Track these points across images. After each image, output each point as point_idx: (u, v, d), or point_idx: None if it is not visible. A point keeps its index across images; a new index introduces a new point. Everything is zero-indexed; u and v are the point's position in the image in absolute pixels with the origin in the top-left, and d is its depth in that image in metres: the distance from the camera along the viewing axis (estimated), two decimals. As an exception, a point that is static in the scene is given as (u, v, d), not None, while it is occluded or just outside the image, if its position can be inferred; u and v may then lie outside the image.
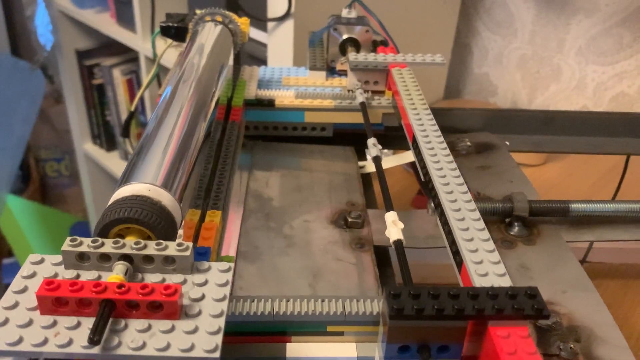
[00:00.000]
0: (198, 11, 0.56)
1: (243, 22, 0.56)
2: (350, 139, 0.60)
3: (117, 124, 1.52)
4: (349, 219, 0.48)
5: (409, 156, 0.58)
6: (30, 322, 0.24)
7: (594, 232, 0.49)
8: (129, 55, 1.42)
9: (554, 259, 0.44)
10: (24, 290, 0.26)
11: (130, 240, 0.27)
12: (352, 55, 0.59)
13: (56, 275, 0.27)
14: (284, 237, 0.46)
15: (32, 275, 0.26)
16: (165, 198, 0.29)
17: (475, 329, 0.29)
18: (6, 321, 0.24)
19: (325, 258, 0.44)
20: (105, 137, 1.55)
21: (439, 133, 0.46)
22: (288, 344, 0.32)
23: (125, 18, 1.25)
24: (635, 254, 0.72)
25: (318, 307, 0.31)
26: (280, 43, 0.89)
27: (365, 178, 0.57)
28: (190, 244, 0.27)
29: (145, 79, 0.58)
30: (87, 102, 1.53)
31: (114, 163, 1.54)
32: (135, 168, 0.31)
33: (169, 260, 0.27)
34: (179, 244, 0.27)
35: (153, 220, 0.27)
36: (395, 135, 0.59)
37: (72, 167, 1.92)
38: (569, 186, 0.92)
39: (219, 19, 0.54)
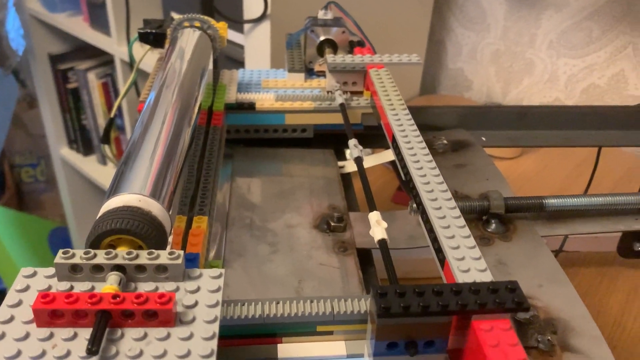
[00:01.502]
0: (176, 17, 0.57)
1: (221, 27, 0.57)
2: (330, 139, 0.61)
3: (94, 128, 1.50)
4: (332, 223, 0.48)
5: (388, 155, 0.59)
6: (27, 335, 0.25)
7: (568, 225, 0.50)
8: (103, 59, 1.41)
9: (529, 254, 0.46)
10: (19, 303, 0.26)
11: (122, 251, 0.27)
12: (330, 57, 0.60)
13: (50, 287, 0.27)
14: (268, 244, 0.46)
15: (26, 288, 0.27)
16: (155, 208, 0.30)
17: (460, 324, 0.30)
18: (3, 335, 0.24)
19: (309, 263, 0.44)
20: (82, 141, 1.54)
21: (418, 133, 0.47)
22: (279, 345, 0.33)
23: (98, 21, 1.24)
24: (609, 242, 0.74)
25: (307, 308, 0.32)
26: (257, 44, 0.90)
27: (346, 178, 0.58)
28: (182, 252, 0.28)
29: (124, 85, 0.59)
30: (62, 106, 1.51)
31: (92, 167, 1.53)
32: (124, 178, 0.32)
33: (161, 268, 0.28)
34: (170, 253, 0.28)
35: (145, 231, 0.28)
36: (374, 134, 0.60)
37: (48, 172, 1.90)
38: (543, 178, 0.95)
39: (198, 24, 0.55)
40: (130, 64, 1.13)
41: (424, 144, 0.45)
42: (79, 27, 1.30)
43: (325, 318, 0.32)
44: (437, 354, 0.31)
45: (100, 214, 0.29)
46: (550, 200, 0.49)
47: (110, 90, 1.42)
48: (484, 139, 0.65)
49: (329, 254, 0.46)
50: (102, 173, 1.52)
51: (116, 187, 0.31)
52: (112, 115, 0.62)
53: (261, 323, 0.32)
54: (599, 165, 0.72)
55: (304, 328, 0.32)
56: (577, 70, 1.11)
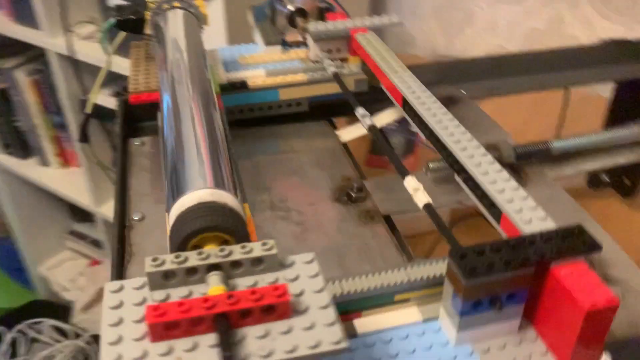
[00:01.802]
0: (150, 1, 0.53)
1: (200, 4, 0.54)
2: (320, 110, 0.60)
3: (30, 129, 1.41)
4: (352, 194, 0.48)
5: (382, 118, 0.59)
6: (146, 354, 0.23)
7: (572, 165, 0.52)
8: (32, 54, 1.31)
9: (547, 197, 0.47)
10: (120, 322, 0.24)
11: (214, 249, 0.26)
12: (312, 25, 0.58)
13: (145, 299, 0.25)
14: (296, 224, 0.45)
15: (120, 304, 0.25)
16: (229, 199, 0.28)
17: (538, 273, 0.31)
18: (120, 357, 0.23)
19: (342, 237, 0.44)
20: (19, 144, 1.44)
21: (428, 92, 0.47)
22: (356, 320, 0.33)
23: (23, 15, 1.15)
24: (579, 176, 0.78)
25: (385, 279, 0.32)
26: (210, 22, 0.86)
27: (344, 147, 0.58)
28: (274, 242, 0.27)
29: (97, 80, 0.55)
30: (-9, 110, 1.41)
31: (33, 170, 1.44)
32: (182, 177, 0.30)
33: (256, 261, 0.27)
34: (263, 244, 0.27)
35: (231, 224, 0.27)
36: (364, 100, 0.60)
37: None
38: (504, 124, 0.98)
39: (177, 4, 0.52)
40: (72, 56, 1.06)
41: (437, 102, 0.46)
42: (0, 22, 1.20)
43: (403, 287, 0.32)
44: (519, 305, 0.31)
45: (176, 215, 0.28)
46: (556, 144, 0.50)
47: (43, 88, 1.33)
48: (463, 92, 0.67)
49: (358, 225, 0.46)
50: (45, 174, 1.43)
51: (179, 187, 0.29)
52: (88, 111, 0.59)
53: (340, 301, 0.32)
54: (551, 106, 0.75)
55: (383, 299, 0.32)
56: (516, 15, 1.14)
